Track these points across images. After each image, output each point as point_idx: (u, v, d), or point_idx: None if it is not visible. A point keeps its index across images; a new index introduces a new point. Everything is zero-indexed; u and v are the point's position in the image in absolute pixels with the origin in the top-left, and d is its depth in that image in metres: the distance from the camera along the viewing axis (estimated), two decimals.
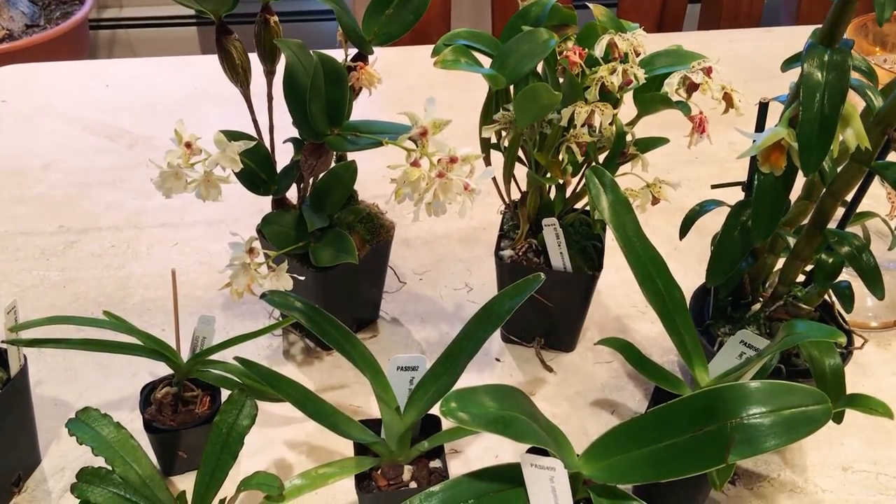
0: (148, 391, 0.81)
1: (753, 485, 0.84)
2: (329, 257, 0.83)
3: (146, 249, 1.10)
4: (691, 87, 0.79)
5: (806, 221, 0.78)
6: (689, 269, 1.03)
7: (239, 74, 0.78)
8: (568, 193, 0.91)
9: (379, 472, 0.72)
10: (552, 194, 0.91)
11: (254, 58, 0.82)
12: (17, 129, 1.31)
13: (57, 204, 1.16)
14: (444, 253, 1.12)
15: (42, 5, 2.44)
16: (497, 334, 0.99)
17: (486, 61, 0.85)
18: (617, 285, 1.07)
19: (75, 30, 2.37)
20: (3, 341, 0.73)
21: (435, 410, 0.74)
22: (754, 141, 0.66)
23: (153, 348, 0.77)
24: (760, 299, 0.84)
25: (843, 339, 0.63)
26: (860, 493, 0.83)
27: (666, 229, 1.11)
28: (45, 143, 1.28)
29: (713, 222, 0.84)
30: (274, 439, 0.87)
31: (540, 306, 0.91)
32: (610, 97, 0.81)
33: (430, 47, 0.84)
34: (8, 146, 1.27)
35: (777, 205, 0.68)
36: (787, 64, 0.78)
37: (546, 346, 0.98)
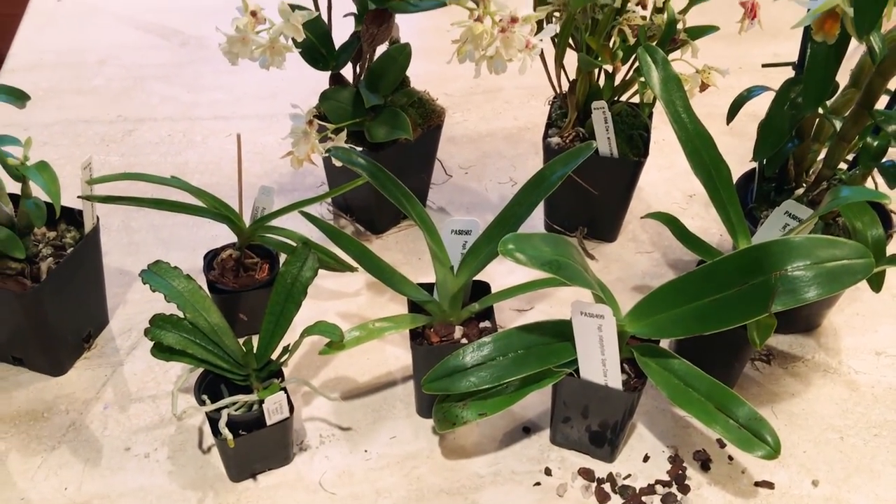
0: (211, 256, 0.85)
1: (788, 364, 0.87)
2: (384, 133, 0.86)
3: (201, 139, 1.13)
4: None
5: (853, 106, 0.79)
6: (733, 170, 1.05)
7: None
8: (617, 81, 0.92)
9: (431, 329, 0.76)
10: (601, 82, 0.93)
11: None
12: (73, 27, 1.34)
13: (114, 95, 1.20)
14: (489, 149, 1.15)
15: None
16: (541, 224, 1.02)
17: None
18: (659, 183, 1.10)
19: None
20: (79, 196, 0.77)
21: (485, 276, 0.78)
22: (809, 10, 0.67)
23: (219, 211, 0.81)
24: (804, 185, 0.86)
25: (888, 200, 0.65)
26: (893, 376, 0.86)
27: (709, 132, 1.13)
28: (101, 40, 1.31)
29: (755, 126, 0.85)
30: (327, 310, 0.91)
31: (585, 195, 0.94)
32: None
33: None
34: (65, 42, 1.30)
35: (828, 74, 0.70)
36: None
37: (589, 235, 1.00)
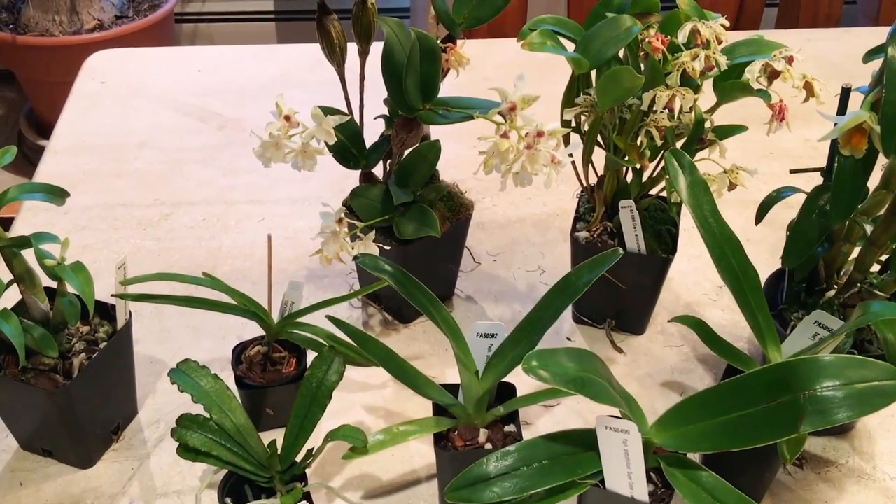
0: (239, 350, 0.86)
1: (821, 469, 0.85)
2: (412, 230, 0.87)
3: (235, 223, 1.15)
4: (772, 75, 0.81)
5: (883, 211, 0.79)
6: (762, 260, 1.04)
7: (336, 53, 0.82)
8: (644, 178, 0.93)
9: (456, 433, 0.76)
10: (629, 178, 0.94)
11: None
12: (115, 109, 1.38)
13: (153, 179, 1.23)
14: (518, 236, 1.15)
15: None
16: (569, 315, 1.02)
17: (569, 47, 0.88)
18: (688, 273, 1.09)
19: (161, 22, 2.47)
20: (112, 295, 0.79)
21: (511, 378, 0.78)
22: (836, 124, 0.67)
23: (248, 308, 0.82)
24: (835, 286, 0.85)
25: None
26: None
27: (738, 221, 1.12)
28: (142, 123, 1.35)
29: (786, 215, 0.85)
30: (354, 403, 0.91)
31: (612, 288, 0.94)
32: (690, 83, 0.83)
33: (507, 40, 0.88)
34: (107, 124, 1.34)
35: (856, 187, 0.69)
36: (870, 55, 0.80)
37: (617, 327, 1.00)
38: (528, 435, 0.87)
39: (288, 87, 1.45)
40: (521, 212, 1.20)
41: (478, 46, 1.57)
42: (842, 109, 0.76)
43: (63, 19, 2.40)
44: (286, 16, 2.95)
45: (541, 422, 0.90)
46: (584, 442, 0.70)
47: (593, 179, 0.96)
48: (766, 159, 1.29)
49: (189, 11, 2.90)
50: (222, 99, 1.41)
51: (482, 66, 1.52)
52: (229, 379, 0.84)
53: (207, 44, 2.93)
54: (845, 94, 0.75)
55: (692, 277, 1.09)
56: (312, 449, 0.73)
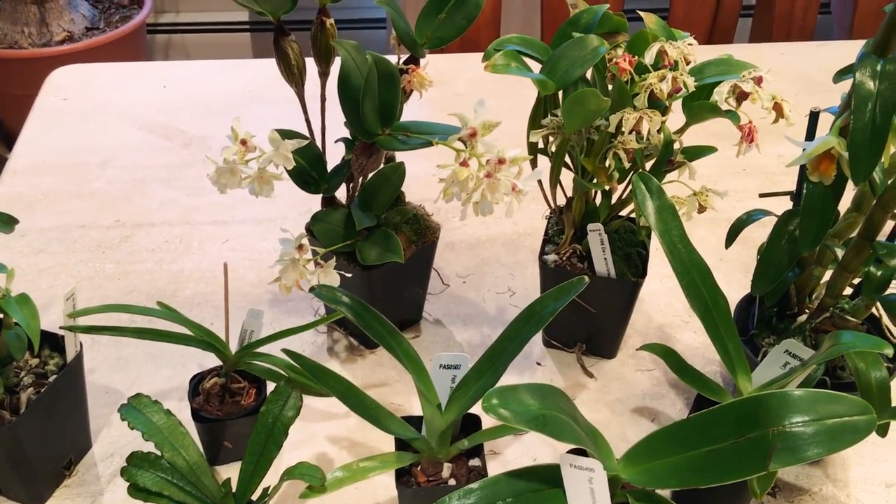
0: (197, 381, 0.83)
1: (794, 498, 0.83)
2: (376, 256, 0.85)
3: (198, 245, 1.12)
4: (741, 96, 0.79)
5: (854, 234, 0.77)
6: (734, 280, 1.03)
7: (294, 75, 0.80)
8: (613, 200, 0.91)
9: (419, 468, 0.73)
10: (598, 200, 0.92)
11: (308, 61, 0.84)
12: (77, 126, 1.35)
13: (114, 199, 1.20)
14: (488, 257, 1.13)
15: (102, 9, 2.52)
16: (538, 339, 1.00)
17: (535, 67, 0.86)
18: (660, 294, 1.07)
19: (134, 33, 2.43)
20: (61, 327, 0.76)
21: (476, 409, 0.75)
22: (804, 149, 0.66)
23: (204, 339, 0.79)
24: (806, 311, 0.84)
25: (889, 350, 0.62)
26: None
27: (711, 240, 1.11)
28: (104, 141, 1.31)
29: (759, 234, 0.84)
30: (316, 433, 0.88)
31: (582, 312, 0.92)
32: (658, 105, 0.82)
33: (479, 54, 0.86)
34: (69, 142, 1.31)
35: (825, 214, 0.68)
36: (840, 75, 0.78)
37: (587, 352, 0.98)
38: (495, 465, 0.85)
39: (255, 104, 1.42)
40: (492, 231, 1.18)
41: (449, 61, 1.56)
42: (810, 134, 0.74)
43: (32, 31, 2.36)
44: (261, 27, 2.92)
45: (509, 451, 0.88)
46: (549, 478, 0.68)
47: (562, 201, 0.94)
48: (739, 176, 1.28)
49: (162, 23, 2.86)
50: (188, 116, 1.38)
51: (454, 81, 1.50)
52: (188, 410, 0.81)
53: (181, 55, 2.89)
54: (814, 118, 0.74)
55: (664, 298, 1.07)
56: (269, 488, 0.71)
